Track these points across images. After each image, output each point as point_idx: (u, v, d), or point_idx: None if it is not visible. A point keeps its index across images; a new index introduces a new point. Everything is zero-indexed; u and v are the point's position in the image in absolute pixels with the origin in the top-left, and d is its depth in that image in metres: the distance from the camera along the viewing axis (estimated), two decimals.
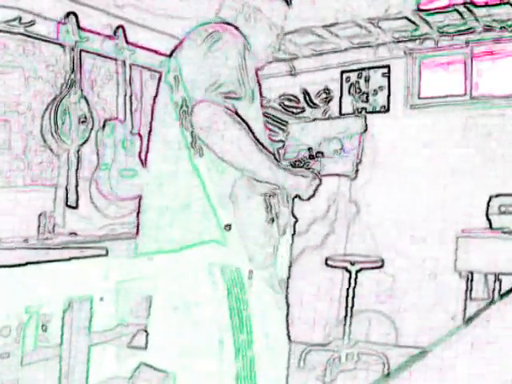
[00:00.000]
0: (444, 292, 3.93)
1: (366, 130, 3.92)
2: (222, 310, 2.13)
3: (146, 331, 2.23)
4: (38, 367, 2.65)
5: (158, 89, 2.28)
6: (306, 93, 4.58)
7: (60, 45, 3.39)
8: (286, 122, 4.50)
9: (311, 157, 2.62)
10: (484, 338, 2.20)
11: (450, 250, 3.74)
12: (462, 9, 3.67)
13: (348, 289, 3.80)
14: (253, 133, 2.10)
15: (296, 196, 2.26)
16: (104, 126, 3.55)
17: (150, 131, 2.30)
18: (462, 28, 3.96)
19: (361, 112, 4.39)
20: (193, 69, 2.12)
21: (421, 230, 4.05)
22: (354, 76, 4.46)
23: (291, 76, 4.60)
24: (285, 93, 4.63)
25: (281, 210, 2.25)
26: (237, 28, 2.23)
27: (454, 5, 3.66)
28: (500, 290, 3.71)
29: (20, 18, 3.15)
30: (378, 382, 3.41)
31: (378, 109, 4.36)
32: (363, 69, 4.42)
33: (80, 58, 3.46)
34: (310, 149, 3.27)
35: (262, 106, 2.30)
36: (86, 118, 3.43)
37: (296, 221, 2.33)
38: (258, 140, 2.10)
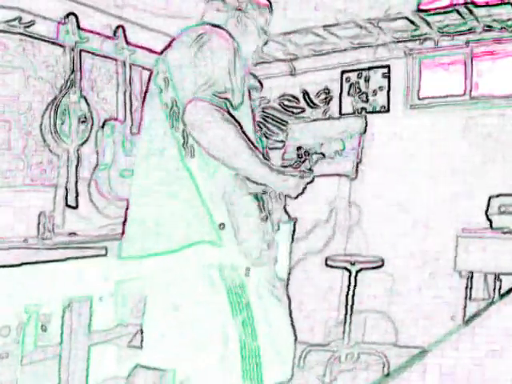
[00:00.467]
0: (444, 292, 3.93)
1: (365, 130, 3.92)
2: (223, 310, 2.14)
3: (141, 331, 2.24)
4: (38, 367, 2.65)
5: (145, 91, 2.30)
6: (305, 93, 4.59)
7: (60, 45, 3.39)
8: (286, 122, 4.51)
9: (299, 156, 2.64)
10: (484, 338, 2.21)
11: (450, 250, 3.74)
12: (462, 9, 3.67)
13: (348, 289, 3.80)
14: (244, 132, 2.11)
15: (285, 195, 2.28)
16: (104, 126, 3.55)
17: (138, 131, 2.32)
18: (462, 28, 3.96)
19: (361, 112, 4.39)
20: (183, 69, 2.14)
21: (421, 229, 4.05)
22: (354, 76, 4.46)
23: (291, 76, 4.60)
24: (285, 93, 4.64)
25: (274, 207, 2.27)
26: (226, 31, 2.25)
27: (454, 5, 3.66)
28: (500, 289, 3.71)
29: (20, 18, 3.16)
30: (377, 382, 3.41)
31: (377, 109, 4.36)
32: (363, 69, 4.42)
33: (80, 58, 3.46)
34: (298, 148, 3.28)
35: (260, 106, 2.31)
36: (85, 117, 3.43)
37: (296, 220, 2.34)
38: (248, 139, 2.12)
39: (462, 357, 2.12)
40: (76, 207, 3.38)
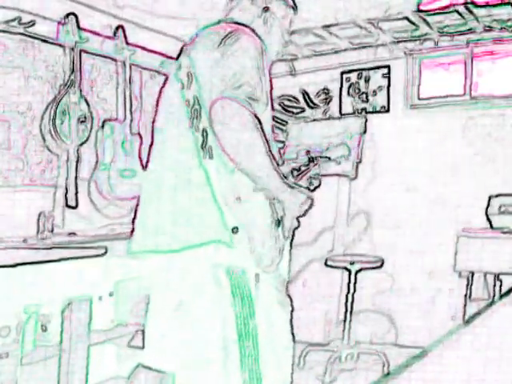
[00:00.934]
0: (444, 292, 3.93)
1: (365, 130, 3.92)
2: (227, 315, 2.13)
3: (143, 331, 2.23)
4: (38, 367, 2.64)
5: (162, 87, 2.26)
6: (305, 93, 4.59)
7: (60, 45, 3.39)
8: (286, 122, 4.50)
9: (310, 160, 2.62)
10: (484, 338, 2.21)
11: (449, 250, 3.73)
12: (462, 9, 3.67)
13: (348, 288, 3.80)
14: (265, 136, 2.09)
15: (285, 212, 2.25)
16: (103, 126, 3.55)
17: (152, 130, 2.28)
18: (462, 28, 3.96)
19: (361, 112, 4.39)
20: (210, 67, 2.10)
21: (421, 229, 4.05)
22: (353, 76, 4.46)
23: (291, 76, 4.60)
24: (285, 93, 4.64)
25: (285, 214, 2.24)
26: (253, 30, 2.22)
27: (454, 5, 3.66)
28: (500, 289, 3.71)
29: (20, 18, 3.15)
30: (377, 382, 3.41)
31: (377, 109, 4.36)
32: (363, 69, 4.42)
33: (80, 59, 3.45)
34: (308, 152, 3.27)
35: (272, 109, 2.29)
36: (85, 117, 3.43)
37: (298, 226, 2.33)
38: (268, 146, 2.09)
39: (462, 357, 2.11)
40: (76, 207, 3.38)
